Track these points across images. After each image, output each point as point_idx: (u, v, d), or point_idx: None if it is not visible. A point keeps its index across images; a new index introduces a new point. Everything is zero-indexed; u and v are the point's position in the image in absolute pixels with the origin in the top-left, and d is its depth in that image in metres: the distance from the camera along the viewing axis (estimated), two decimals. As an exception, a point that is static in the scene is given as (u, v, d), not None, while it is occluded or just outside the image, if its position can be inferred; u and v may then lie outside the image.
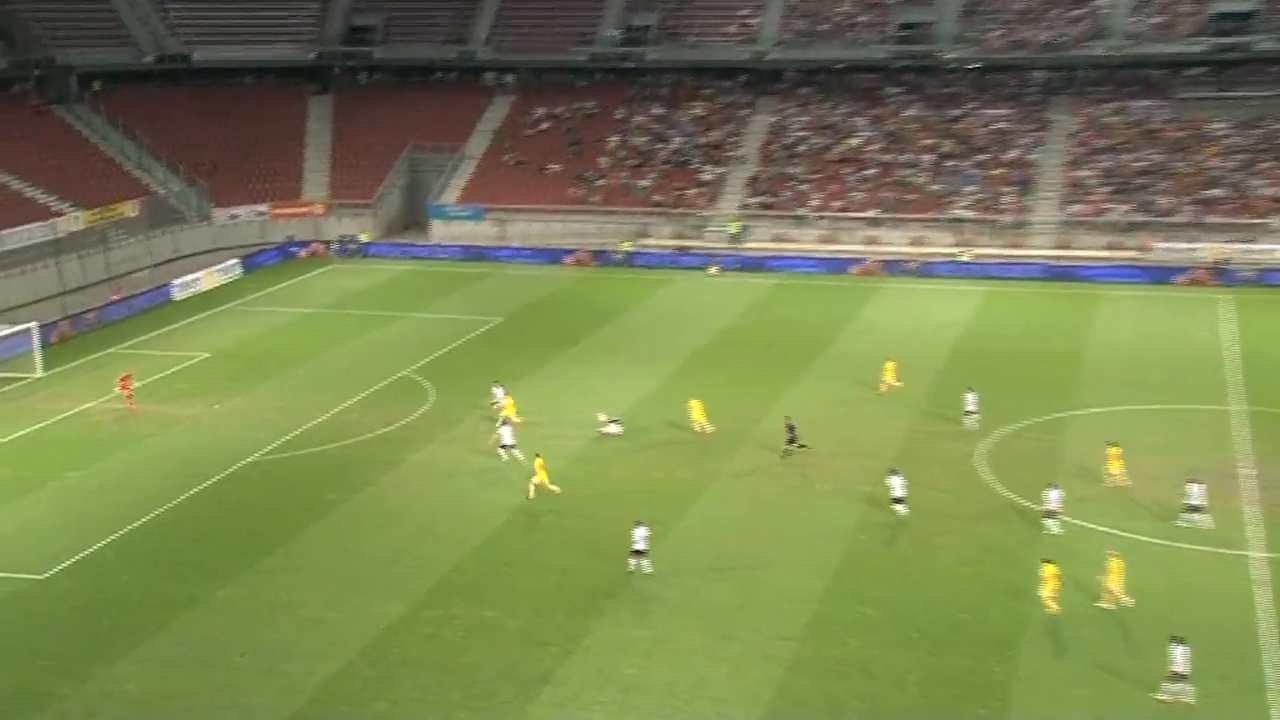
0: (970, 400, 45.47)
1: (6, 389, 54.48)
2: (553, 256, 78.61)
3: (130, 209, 78.81)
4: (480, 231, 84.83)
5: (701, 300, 68.16)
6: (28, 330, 57.93)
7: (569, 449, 45.02)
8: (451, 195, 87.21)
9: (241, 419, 49.62)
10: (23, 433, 48.38)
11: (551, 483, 39.36)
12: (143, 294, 69.29)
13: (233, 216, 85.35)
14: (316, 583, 34.86)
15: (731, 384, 52.13)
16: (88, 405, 51.54)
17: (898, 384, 49.63)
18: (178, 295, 71.13)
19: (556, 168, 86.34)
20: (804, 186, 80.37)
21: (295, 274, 77.52)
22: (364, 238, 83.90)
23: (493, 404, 45.40)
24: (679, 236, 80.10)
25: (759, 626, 31.68)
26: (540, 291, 71.57)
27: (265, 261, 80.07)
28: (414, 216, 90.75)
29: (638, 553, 34.64)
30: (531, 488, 39.58)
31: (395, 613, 32.96)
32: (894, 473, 38.16)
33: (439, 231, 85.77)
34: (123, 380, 51.33)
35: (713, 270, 75.60)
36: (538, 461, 40.18)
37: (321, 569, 35.73)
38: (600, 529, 37.96)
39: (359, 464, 44.33)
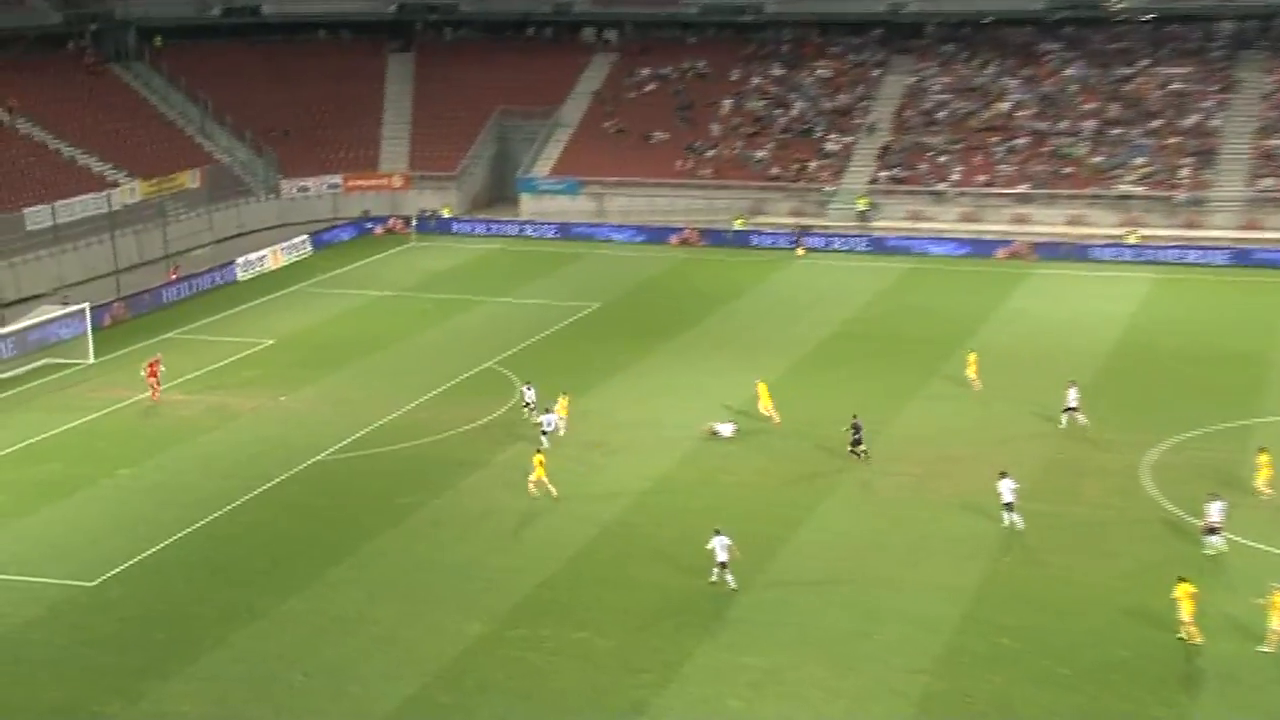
0: (1071, 396, 45.23)
1: (56, 376, 56.29)
2: (656, 236, 79.00)
3: (191, 179, 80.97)
4: (575, 207, 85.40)
5: (822, 286, 67.87)
6: (79, 312, 59.78)
7: (671, 453, 45.13)
8: (544, 167, 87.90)
9: (308, 413, 50.52)
10: (73, 425, 49.91)
11: (551, 483, 40.61)
12: (203, 273, 70.94)
13: (302, 189, 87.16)
14: (388, 596, 35.40)
15: (855, 382, 51.75)
16: (142, 396, 52.94)
17: (976, 380, 49.34)
18: (241, 275, 72.67)
19: (662, 136, 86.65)
20: (943, 158, 79.28)
21: (370, 253, 78.58)
22: (446, 213, 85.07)
23: (524, 406, 45.92)
24: (799, 214, 79.97)
25: (884, 657, 31.41)
26: (641, 275, 71.86)
27: (337, 239, 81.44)
28: (502, 190, 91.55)
29: (722, 564, 34.94)
30: (531, 485, 40.75)
31: (474, 632, 33.29)
32: (1004, 475, 37.53)
33: (529, 207, 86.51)
34: (150, 365, 52.48)
35: (800, 252, 75.27)
36: (536, 458, 41.23)
37: (394, 581, 36.29)
38: (704, 543, 37.98)
39: (436, 465, 44.86)
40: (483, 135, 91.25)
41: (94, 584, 36.62)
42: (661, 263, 74.47)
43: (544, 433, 44.17)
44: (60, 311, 59.78)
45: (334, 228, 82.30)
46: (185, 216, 79.15)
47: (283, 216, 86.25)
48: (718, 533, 35.28)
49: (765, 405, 46.71)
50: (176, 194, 79.67)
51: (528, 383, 47.35)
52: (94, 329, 59.66)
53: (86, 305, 59.96)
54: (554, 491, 40.63)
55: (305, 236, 79.27)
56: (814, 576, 35.81)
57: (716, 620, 33.62)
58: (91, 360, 57.84)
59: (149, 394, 51.95)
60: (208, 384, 54.75)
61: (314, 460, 45.39)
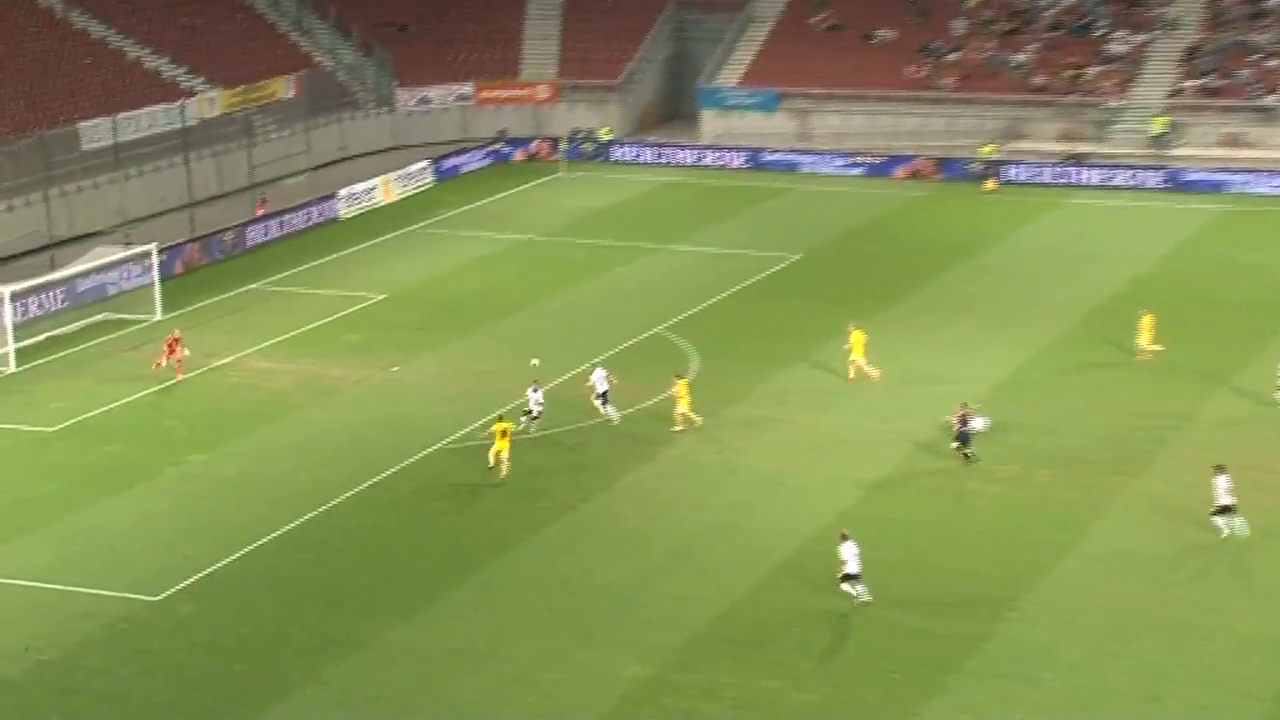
0: None
1: (116, 335, 57.92)
2: (879, 167, 78.80)
3: (284, 88, 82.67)
4: (773, 128, 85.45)
5: (1101, 235, 66.92)
6: (145, 255, 61.32)
7: (895, 451, 44.97)
8: (732, 75, 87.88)
9: (428, 388, 51.14)
10: (135, 398, 51.26)
11: (508, 457, 43.13)
12: (298, 208, 72.34)
13: (423, 101, 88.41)
14: (523, 626, 35.68)
15: (1141, 365, 51.05)
16: (222, 362, 54.26)
17: (1152, 348, 49.31)
18: (344, 211, 74.09)
19: (888, 35, 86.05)
20: (1274, 63, 78.09)
21: (507, 185, 79.59)
22: (605, 135, 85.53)
23: (525, 414, 46.66)
24: (1070, 138, 79.14)
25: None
26: (858, 217, 71.59)
27: (467, 166, 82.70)
28: (678, 105, 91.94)
29: (849, 577, 35.66)
30: (491, 457, 43.39)
31: (634, 675, 33.39)
32: (1219, 470, 38.09)
33: (713, 127, 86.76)
34: (169, 345, 52.83)
35: (989, 185, 74.17)
36: (497, 428, 43.36)
37: (531, 607, 36.59)
38: (937, 567, 37.65)
39: (589, 459, 45.09)
40: (653, 33, 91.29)
41: (159, 599, 37.29)
42: (884, 202, 74.08)
43: (528, 413, 46.06)
44: (121, 254, 61.50)
45: (462, 152, 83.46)
46: (276, 136, 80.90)
47: (398, 137, 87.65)
48: (845, 538, 35.81)
49: (857, 356, 49.50)
50: (266, 107, 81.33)
51: (535, 383, 47.35)
52: (162, 277, 61.17)
53: (154, 247, 61.48)
54: (504, 469, 43.14)
55: (425, 163, 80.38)
56: (1090, 615, 35.29)
57: (955, 674, 33.11)
58: (159, 316, 59.33)
59: (158, 361, 52.60)
60: (301, 349, 55.72)
61: (433, 448, 45.91)
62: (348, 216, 73.83)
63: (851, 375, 49.98)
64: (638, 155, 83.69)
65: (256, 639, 35.46)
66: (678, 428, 46.46)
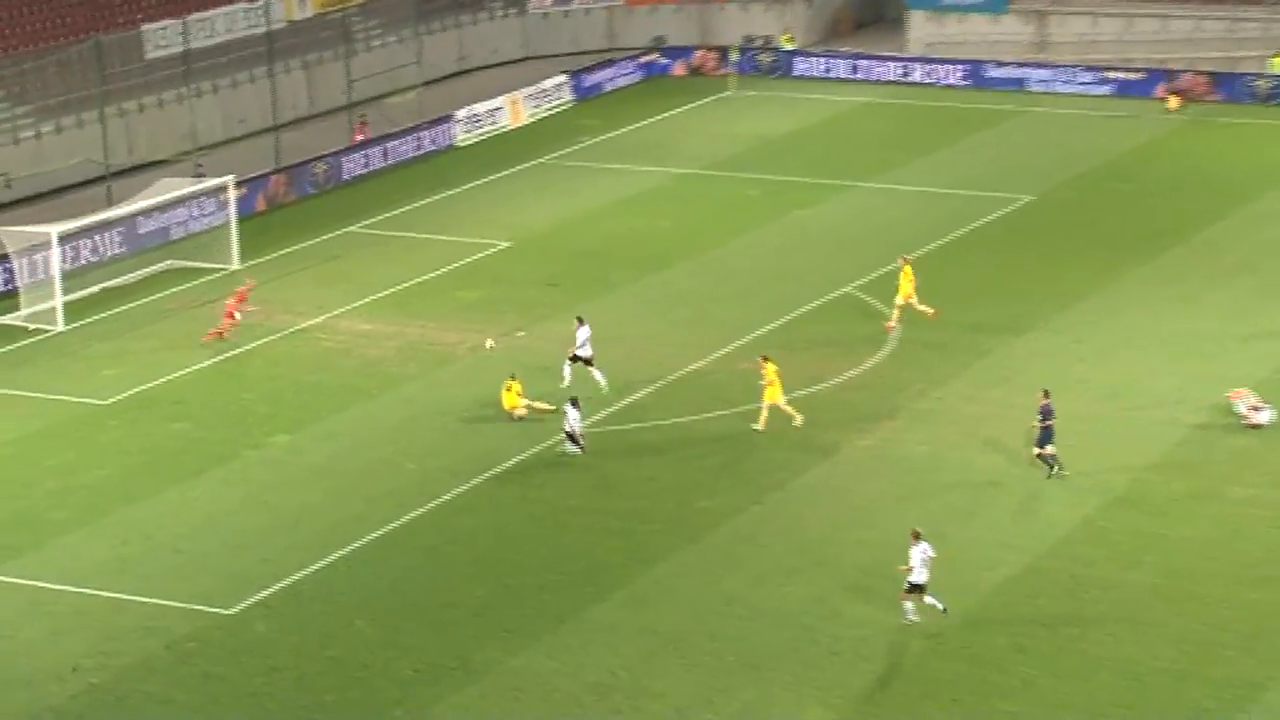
0: None
1: (185, 287, 58.92)
2: (1135, 85, 78.46)
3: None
4: (1001, 34, 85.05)
5: None
6: (220, 190, 62.22)
7: (1152, 446, 44.68)
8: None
9: (558, 358, 50.89)
10: (205, 365, 52.13)
11: (555, 408, 46.15)
12: (406, 133, 72.99)
13: (561, 1, 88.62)
14: (677, 656, 35.66)
15: None
16: (310, 323, 54.97)
17: None
18: (463, 137, 74.71)
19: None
20: None
21: (663, 106, 79.91)
22: (786, 44, 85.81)
23: (576, 350, 49.05)
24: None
25: None
26: (1106, 149, 71.12)
27: (613, 82, 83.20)
28: (879, 6, 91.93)
29: (915, 588, 36.15)
30: (522, 409, 46.89)
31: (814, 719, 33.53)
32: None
33: (923, 33, 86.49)
34: (238, 294, 53.76)
35: (1172, 103, 73.88)
36: (514, 387, 47.11)
37: (686, 632, 36.63)
38: (1202, 596, 37.21)
39: (758, 450, 45.13)
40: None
41: (232, 612, 37.77)
42: (1141, 129, 73.50)
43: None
44: (191, 188, 62.44)
45: (608, 65, 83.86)
46: (380, 43, 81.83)
47: (530, 46, 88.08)
48: (918, 538, 36.24)
49: (906, 295, 52.15)
50: (368, 6, 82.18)
51: (580, 318, 49.16)
52: (240, 217, 62.01)
53: (230, 180, 62.33)
54: (546, 405, 46.34)
55: (562, 78, 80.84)
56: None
57: (1219, 726, 32.80)
58: (236, 265, 60.17)
59: (218, 327, 53.39)
60: (406, 308, 56.25)
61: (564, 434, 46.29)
62: (466, 144, 74.43)
63: (893, 321, 52.36)
64: (827, 69, 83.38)
65: (349, 665, 35.67)
66: (759, 425, 46.03)
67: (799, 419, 45.85)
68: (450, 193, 67.93)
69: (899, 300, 52.54)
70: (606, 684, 34.63)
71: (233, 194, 61.81)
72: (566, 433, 45.06)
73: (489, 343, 51.98)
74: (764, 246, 60.83)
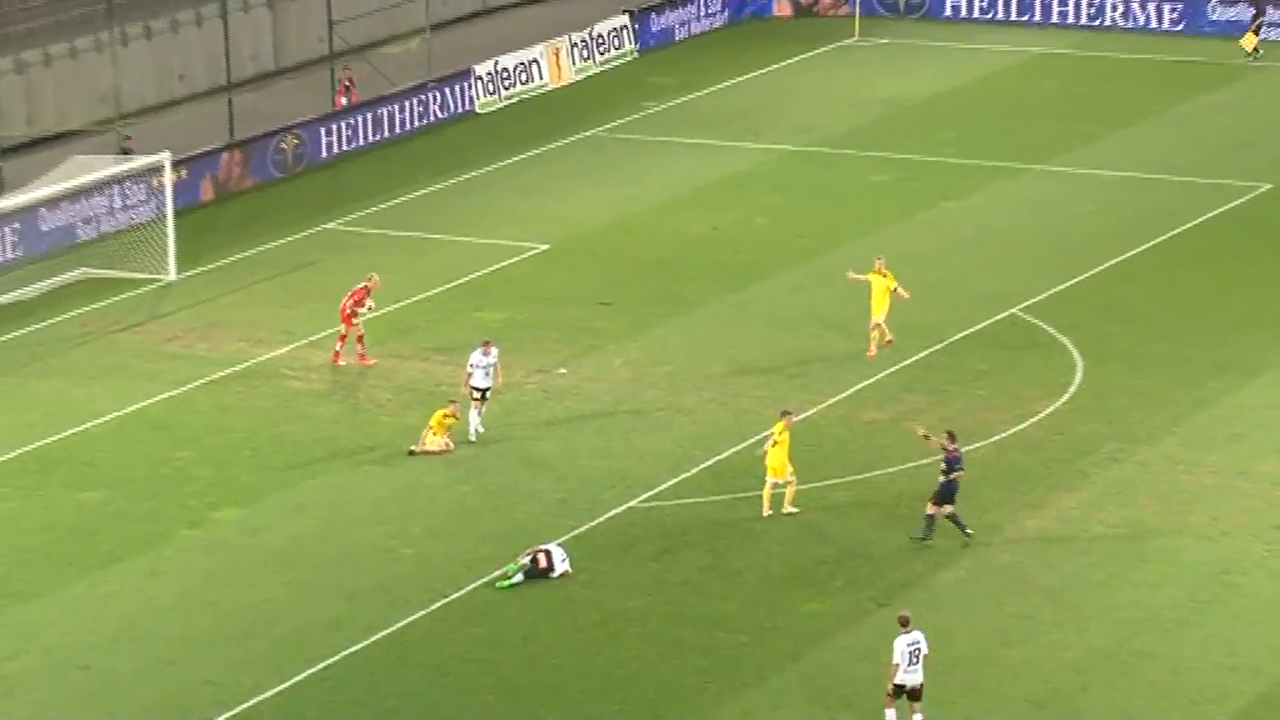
0: None
1: (101, 305, 58.98)
2: None
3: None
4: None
5: None
6: (151, 173, 62.59)
7: None
8: None
9: (613, 403, 51.51)
10: (129, 411, 52.10)
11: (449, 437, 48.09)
12: (406, 94, 73.51)
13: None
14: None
15: None
16: (273, 355, 55.04)
17: None
18: (485, 101, 75.15)
19: None
20: None
21: (761, 58, 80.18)
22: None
23: (468, 377, 50.79)
24: None
25: None
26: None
27: (691, 25, 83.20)
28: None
29: (902, 691, 36.59)
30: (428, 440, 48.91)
31: None
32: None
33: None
34: (355, 296, 54.06)
35: (1249, 44, 74.24)
36: (440, 416, 48.80)
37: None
38: None
39: (888, 530, 45.39)
40: None
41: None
42: None
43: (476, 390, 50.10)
44: (113, 170, 62.71)
45: (682, 3, 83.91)
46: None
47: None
48: (906, 625, 37.28)
49: (876, 312, 54.16)
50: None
51: (486, 341, 50.51)
52: (180, 209, 62.29)
53: (166, 159, 62.65)
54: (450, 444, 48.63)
55: (622, 19, 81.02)
56: None
57: None
58: (173, 275, 60.48)
59: (337, 348, 53.93)
60: (405, 334, 56.31)
61: (626, 505, 46.68)
62: (489, 109, 74.71)
63: (873, 349, 53.93)
64: (988, 7, 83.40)
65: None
66: (766, 509, 46.08)
67: (767, 508, 45.92)
68: (466, 177, 68.22)
69: (875, 319, 53.97)
70: None
71: (169, 178, 62.10)
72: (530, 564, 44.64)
73: (561, 369, 52.38)
74: (897, 252, 60.20)
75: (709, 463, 48.37)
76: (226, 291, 58.89)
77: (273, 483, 48.31)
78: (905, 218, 63.63)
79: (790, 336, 55.18)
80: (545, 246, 62.09)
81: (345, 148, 70.54)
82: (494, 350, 49.95)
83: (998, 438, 49.05)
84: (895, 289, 53.48)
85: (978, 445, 48.36)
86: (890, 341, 53.63)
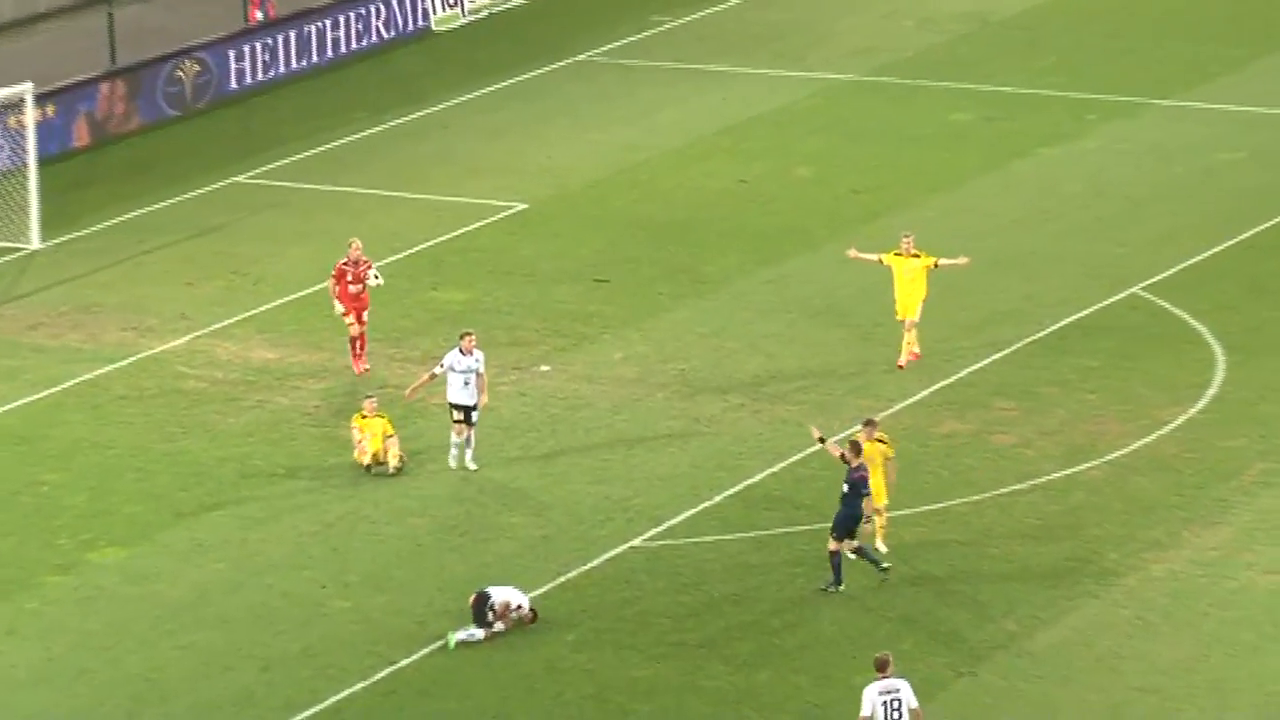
0: None
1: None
2: None
3: None
4: None
5: None
6: (12, 107, 62.51)
7: None
8: None
9: (614, 410, 51.55)
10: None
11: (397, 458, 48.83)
12: (338, 8, 73.28)
13: None
14: None
15: None
16: (167, 346, 54.97)
17: None
18: (443, 17, 75.25)
19: None
20: None
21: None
22: None
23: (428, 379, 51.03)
24: None
25: None
26: None
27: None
28: None
29: None
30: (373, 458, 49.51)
31: None
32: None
33: None
34: (349, 271, 53.50)
35: None
36: (372, 424, 49.46)
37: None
38: None
39: (977, 578, 44.99)
40: None
41: None
42: None
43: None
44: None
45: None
46: None
47: None
48: (884, 670, 37.48)
49: (907, 307, 53.81)
50: None
51: (468, 336, 50.32)
52: (45, 157, 62.42)
53: (27, 91, 62.52)
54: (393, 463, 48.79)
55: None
56: None
57: None
58: (36, 244, 60.45)
59: (353, 353, 53.63)
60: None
61: (628, 544, 46.68)
62: (448, 27, 74.68)
63: (903, 356, 53.82)
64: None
65: None
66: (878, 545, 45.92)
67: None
68: (419, 115, 68.22)
69: (904, 316, 53.53)
70: None
71: (31, 115, 62.17)
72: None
73: (544, 367, 52.41)
74: (982, 213, 60.48)
75: (735, 489, 47.86)
76: (106, 265, 58.42)
77: (166, 515, 47.63)
78: (992, 168, 63.51)
79: (840, 325, 54.90)
80: (522, 206, 61.92)
81: (261, 77, 70.30)
82: (477, 350, 49.13)
83: (1113, 456, 48.65)
84: (937, 264, 52.70)
85: (1088, 465, 48.14)
86: (917, 355, 53.09)
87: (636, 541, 46.25)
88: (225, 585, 45.27)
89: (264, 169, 64.64)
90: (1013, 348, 52.93)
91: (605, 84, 70.03)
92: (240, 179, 63.99)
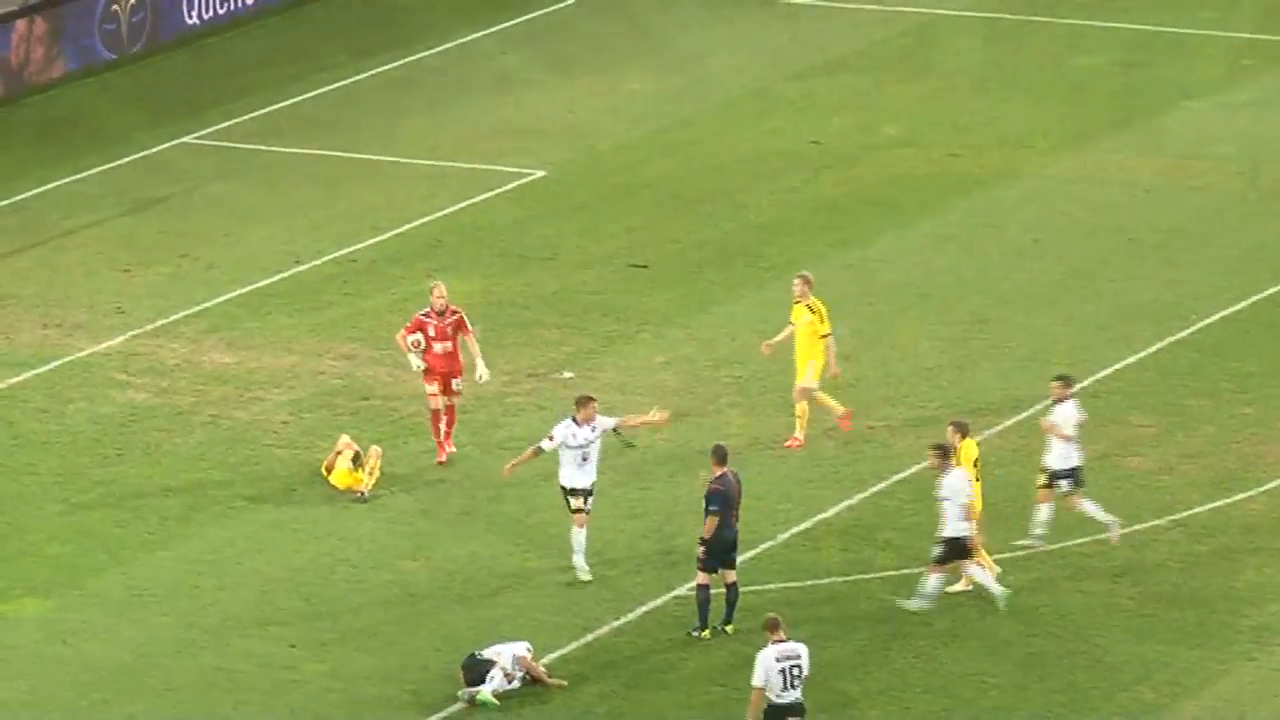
0: None
1: None
2: None
3: None
4: None
5: None
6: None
7: None
8: None
9: (653, 427, 51.81)
10: None
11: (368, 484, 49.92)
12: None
13: None
14: None
15: None
16: (100, 347, 55.28)
17: None
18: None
19: None
20: None
21: None
22: None
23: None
24: None
25: None
26: None
27: None
28: None
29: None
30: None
31: None
32: None
33: None
34: (433, 324, 52.23)
35: None
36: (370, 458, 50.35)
37: None
38: None
39: (1106, 631, 45.14)
40: None
41: None
42: None
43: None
44: None
45: None
46: None
47: None
48: (775, 631, 39.41)
49: (805, 369, 53.33)
50: None
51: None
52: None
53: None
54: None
55: None
56: None
57: None
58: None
59: (436, 441, 53.36)
60: (315, 317, 56.75)
61: (673, 594, 47.26)
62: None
63: (796, 435, 53.24)
64: None
65: None
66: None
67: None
68: (409, 59, 68.72)
69: (803, 382, 53.13)
70: None
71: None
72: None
73: (566, 373, 53.04)
74: (1112, 182, 60.83)
75: (805, 524, 48.66)
76: (21, 247, 59.03)
77: (98, 557, 48.21)
78: (1126, 125, 64.07)
79: (938, 319, 55.31)
80: (540, 173, 62.50)
81: (213, 13, 70.85)
82: (600, 417, 47.73)
83: (1273, 485, 49.16)
84: (826, 337, 52.06)
85: (1243, 496, 48.57)
86: (846, 416, 52.60)
87: (680, 590, 46.53)
88: (172, 645, 45.45)
89: (218, 127, 65.20)
90: (1151, 349, 53.12)
91: (642, 19, 70.24)
92: (189, 139, 64.51)
